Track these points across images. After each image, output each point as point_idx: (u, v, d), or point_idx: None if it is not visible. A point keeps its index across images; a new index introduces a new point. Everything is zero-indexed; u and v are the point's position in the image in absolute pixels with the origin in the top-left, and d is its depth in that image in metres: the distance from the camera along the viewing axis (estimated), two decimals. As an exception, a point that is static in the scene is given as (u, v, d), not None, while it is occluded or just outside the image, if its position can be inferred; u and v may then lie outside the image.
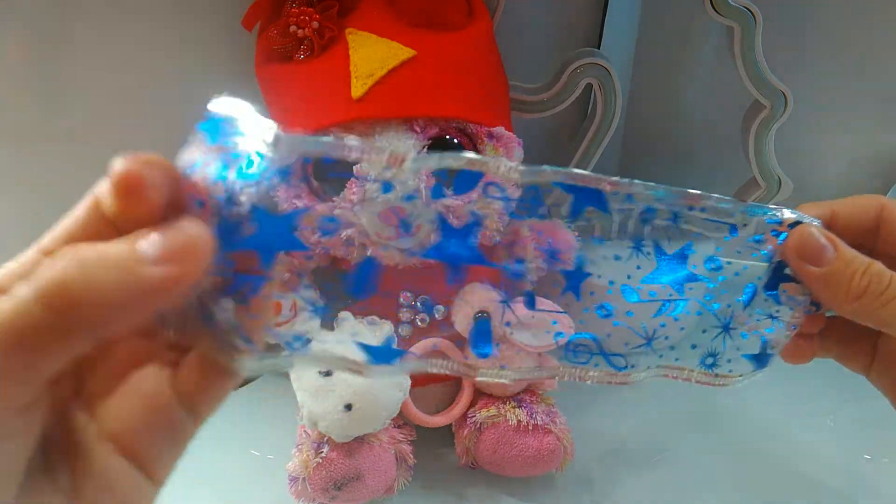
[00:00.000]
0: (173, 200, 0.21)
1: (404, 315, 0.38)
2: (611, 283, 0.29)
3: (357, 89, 0.44)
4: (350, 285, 0.29)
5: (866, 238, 0.29)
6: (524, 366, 0.28)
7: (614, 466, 0.51)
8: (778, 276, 0.28)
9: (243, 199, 0.21)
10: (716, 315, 0.29)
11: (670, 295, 0.29)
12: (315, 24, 0.45)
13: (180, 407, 0.21)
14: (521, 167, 0.25)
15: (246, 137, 0.22)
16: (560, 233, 0.30)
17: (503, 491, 0.49)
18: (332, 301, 0.37)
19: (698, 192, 0.27)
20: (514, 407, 0.48)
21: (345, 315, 0.39)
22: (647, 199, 0.26)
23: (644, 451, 0.52)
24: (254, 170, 0.21)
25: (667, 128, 0.70)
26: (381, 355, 0.25)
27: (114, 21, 0.53)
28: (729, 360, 0.29)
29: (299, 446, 0.46)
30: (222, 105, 0.22)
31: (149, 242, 0.19)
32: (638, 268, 0.29)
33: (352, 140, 0.23)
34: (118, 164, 0.19)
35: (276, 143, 0.21)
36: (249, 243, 0.22)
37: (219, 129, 0.22)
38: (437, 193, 0.30)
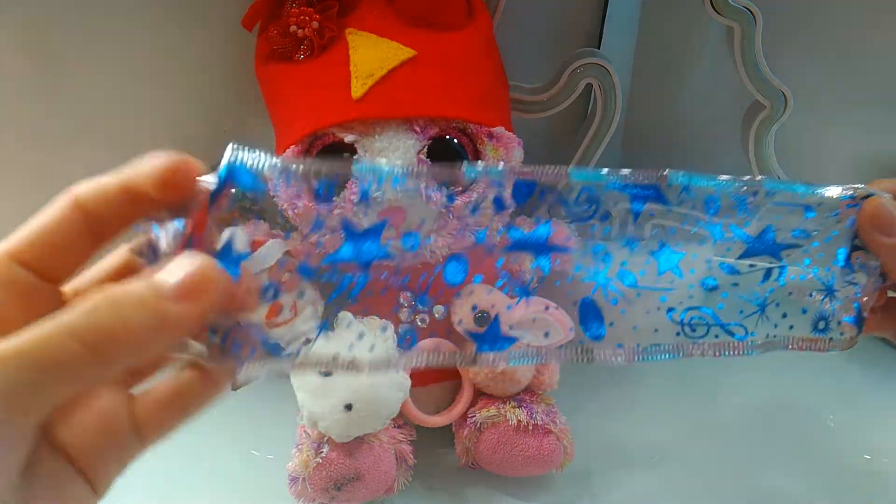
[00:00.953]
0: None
1: (404, 315, 0.38)
2: (707, 261, 0.30)
3: (357, 89, 0.44)
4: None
5: None
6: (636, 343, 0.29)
7: (614, 466, 0.51)
8: (851, 245, 0.30)
9: None
10: (819, 278, 0.30)
11: (771, 262, 0.30)
12: (315, 24, 0.45)
13: (131, 431, 0.22)
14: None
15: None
16: (560, 232, 0.30)
17: (503, 491, 0.49)
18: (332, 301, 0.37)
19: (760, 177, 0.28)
20: (514, 407, 0.48)
21: (345, 315, 0.39)
22: (707, 190, 0.28)
23: (644, 451, 0.52)
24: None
25: (667, 128, 0.70)
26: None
27: (114, 21, 0.53)
28: (839, 323, 0.30)
29: (299, 446, 0.46)
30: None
31: (170, 281, 0.21)
32: (728, 250, 0.30)
33: None
34: (171, 154, 0.22)
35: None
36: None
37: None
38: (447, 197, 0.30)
